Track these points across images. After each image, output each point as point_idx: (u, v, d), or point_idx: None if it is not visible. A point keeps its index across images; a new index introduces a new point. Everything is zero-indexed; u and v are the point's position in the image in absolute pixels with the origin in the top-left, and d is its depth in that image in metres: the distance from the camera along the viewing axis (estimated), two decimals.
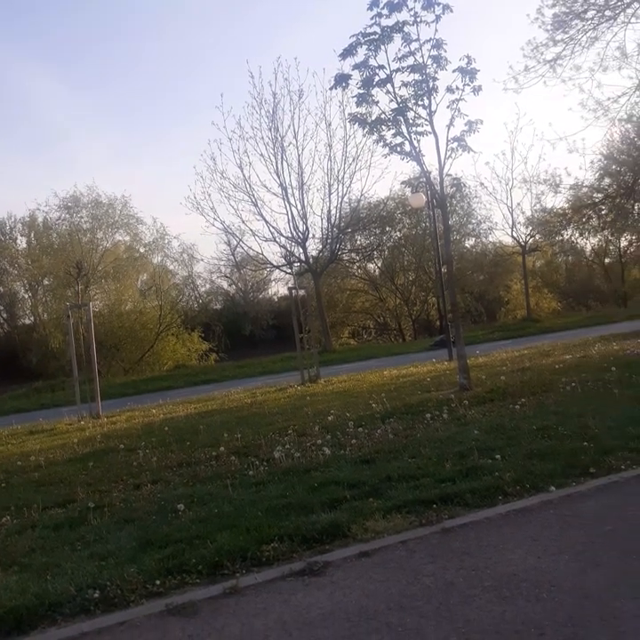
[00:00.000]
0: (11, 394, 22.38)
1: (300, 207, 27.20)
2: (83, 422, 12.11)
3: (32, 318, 40.67)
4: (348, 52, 10.14)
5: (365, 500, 4.91)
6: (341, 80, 10.38)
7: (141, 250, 39.13)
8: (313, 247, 29.18)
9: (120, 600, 3.63)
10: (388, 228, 37.46)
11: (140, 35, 72.81)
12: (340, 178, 27.38)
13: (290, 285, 18.01)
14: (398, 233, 38.99)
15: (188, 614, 3.42)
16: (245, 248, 30.50)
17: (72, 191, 37.40)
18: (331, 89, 11.07)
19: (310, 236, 27.86)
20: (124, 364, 32.58)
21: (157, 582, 3.78)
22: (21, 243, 41.52)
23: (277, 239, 27.70)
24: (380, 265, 40.28)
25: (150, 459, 7.31)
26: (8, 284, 42.36)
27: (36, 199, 59.86)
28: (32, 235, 39.99)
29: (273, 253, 29.70)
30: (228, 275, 48.94)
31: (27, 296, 41.60)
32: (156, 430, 9.64)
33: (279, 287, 48.86)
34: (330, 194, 27.63)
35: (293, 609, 3.39)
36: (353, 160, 27.03)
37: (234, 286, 50.92)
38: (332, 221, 28.37)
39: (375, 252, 37.73)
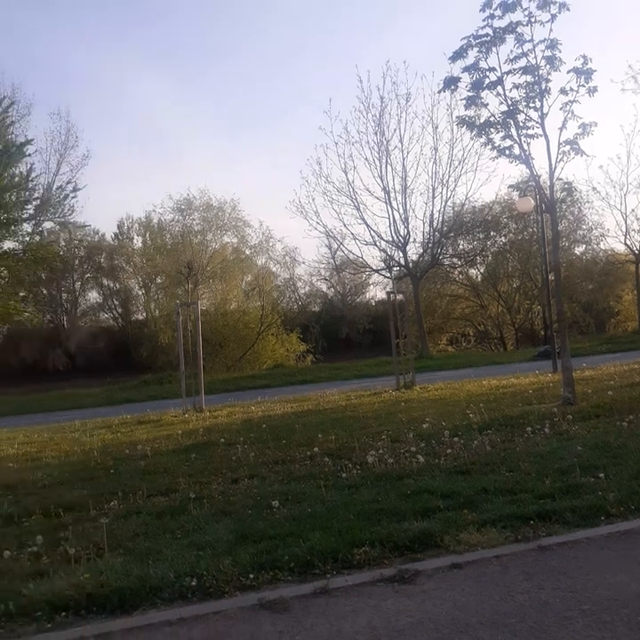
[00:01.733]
0: (122, 385, 23.77)
1: (402, 211, 27.13)
2: (187, 415, 12.66)
3: (144, 314, 43.01)
4: (459, 54, 10.00)
5: (459, 511, 4.84)
6: (450, 83, 10.26)
7: (247, 252, 40.39)
8: (413, 251, 29.00)
9: (215, 590, 3.78)
10: (492, 233, 36.51)
11: (250, 42, 75.10)
12: (444, 181, 27.06)
13: (388, 289, 17.99)
14: (503, 238, 37.90)
15: (279, 610, 3.51)
16: (345, 251, 30.76)
17: (185, 194, 39.20)
18: (439, 92, 10.97)
19: (411, 239, 27.71)
20: (226, 360, 33.72)
21: (251, 576, 3.90)
22: (137, 242, 44.14)
23: (378, 243, 27.78)
24: (482, 271, 39.33)
25: (248, 454, 7.54)
26: (124, 281, 45.08)
27: (153, 201, 63.30)
28: (147, 235, 42.35)
29: (373, 257, 29.92)
30: (328, 278, 49.46)
31: (140, 293, 44.08)
32: (254, 427, 9.92)
33: (377, 291, 48.85)
34: (433, 197, 27.37)
35: (383, 615, 3.39)
36: (459, 163, 26.65)
37: (332, 289, 51.38)
38: (435, 225, 28.07)
39: (478, 258, 36.86)
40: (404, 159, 26.70)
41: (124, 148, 69.41)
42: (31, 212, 25.61)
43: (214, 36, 72.28)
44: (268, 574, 3.94)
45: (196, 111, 72.74)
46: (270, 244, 40.57)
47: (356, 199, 26.92)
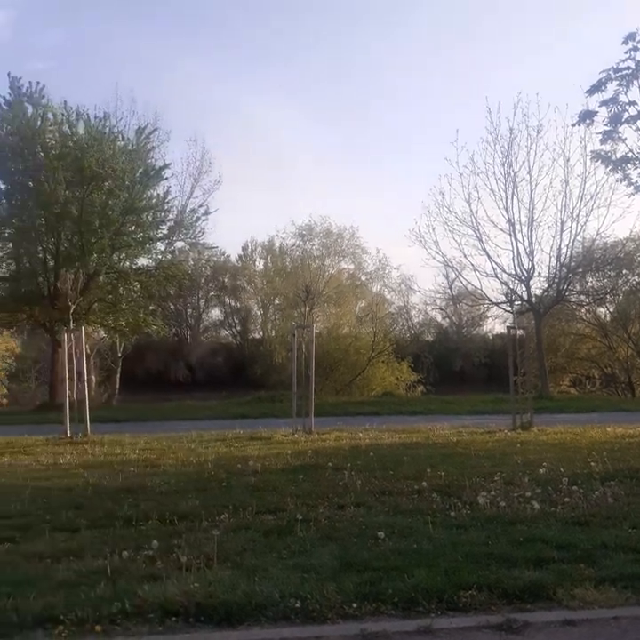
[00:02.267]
0: (237, 400, 24.61)
1: (527, 244, 26.30)
2: (296, 435, 12.88)
3: (261, 333, 44.52)
4: (596, 88, 9.71)
5: (575, 564, 4.57)
6: (586, 116, 9.96)
7: (363, 278, 40.83)
8: (537, 285, 27.91)
9: (318, 614, 3.80)
10: (624, 271, 34.39)
11: (377, 73, 76.45)
12: (574, 215, 25.94)
13: (508, 324, 17.36)
14: (637, 277, 35.57)
15: None
16: (464, 282, 30.12)
17: (307, 220, 40.38)
18: (573, 125, 10.64)
19: (536, 273, 26.73)
20: (335, 384, 34.00)
21: (354, 605, 3.90)
22: (259, 264, 45.99)
23: (499, 275, 27.03)
24: (612, 310, 37.03)
25: (355, 481, 7.53)
26: (244, 300, 47.02)
27: (276, 226, 65.54)
28: (269, 258, 44.03)
29: (492, 289, 28.87)
30: (443, 308, 48.73)
31: (259, 313, 45.75)
32: (361, 454, 9.91)
33: (496, 324, 47.26)
34: (562, 231, 26.30)
35: None
36: (591, 198, 25.42)
37: (448, 320, 50.51)
38: (562, 260, 26.92)
39: (608, 296, 34.82)
40: (531, 191, 25.94)
41: (252, 174, 72.73)
42: (165, 232, 27.48)
43: (342, 68, 74.44)
44: (371, 606, 3.91)
45: (321, 139, 74.94)
46: (386, 272, 40.78)
47: (478, 230, 26.46)
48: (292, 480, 7.77)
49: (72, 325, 15.89)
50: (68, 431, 13.09)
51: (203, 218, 29.50)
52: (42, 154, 23.17)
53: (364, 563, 4.59)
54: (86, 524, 5.80)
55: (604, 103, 9.60)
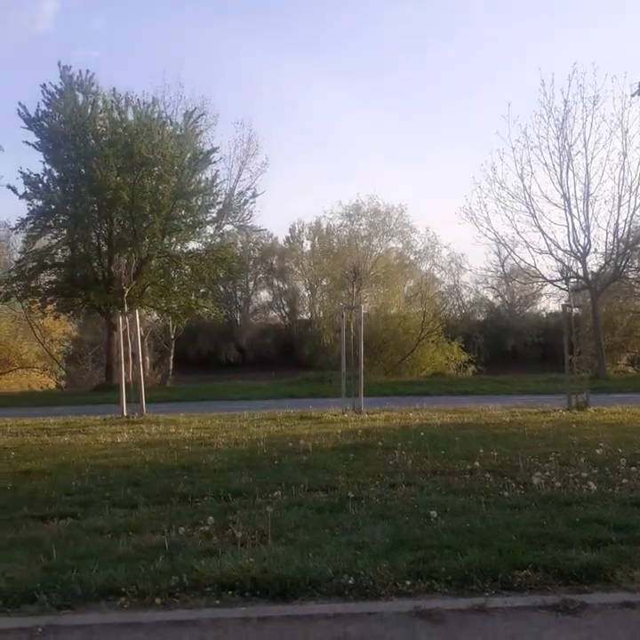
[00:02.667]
0: (287, 380, 24.86)
1: (582, 219, 25.47)
2: (346, 415, 12.92)
3: (309, 314, 44.77)
4: None
5: (634, 546, 4.45)
6: None
7: (411, 257, 40.47)
8: (593, 262, 27.05)
9: (371, 591, 3.83)
10: None
11: (427, 48, 74.81)
12: (633, 189, 24.95)
13: (563, 302, 16.96)
14: None
15: (434, 621, 3.47)
16: (517, 260, 29.43)
17: (354, 200, 40.27)
18: (633, 95, 10.17)
19: (592, 250, 25.90)
20: (384, 365, 33.93)
21: (407, 582, 3.90)
22: (306, 246, 46.16)
23: (554, 252, 26.30)
24: None
25: (406, 461, 7.52)
26: (292, 282, 47.30)
27: (323, 207, 65.52)
28: (316, 239, 44.06)
29: (547, 267, 28.11)
30: (495, 286, 47.92)
31: (307, 294, 46.00)
32: (412, 434, 9.87)
33: (550, 303, 46.26)
34: (619, 206, 25.34)
35: None
36: None
37: (499, 298, 49.67)
38: (619, 235, 25.96)
39: None
40: (587, 165, 25.05)
41: (299, 155, 72.60)
42: (214, 215, 27.79)
43: (390, 42, 73.14)
44: (425, 583, 3.91)
45: (370, 119, 74.13)
46: (436, 250, 40.31)
47: (531, 206, 25.75)
48: (343, 459, 7.81)
49: (126, 309, 16.30)
50: (125, 411, 13.48)
51: (250, 200, 29.75)
52: (93, 141, 23.68)
53: (416, 541, 4.58)
54: (144, 500, 5.97)
55: None
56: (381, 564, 4.11)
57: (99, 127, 24.10)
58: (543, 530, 4.79)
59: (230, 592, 3.87)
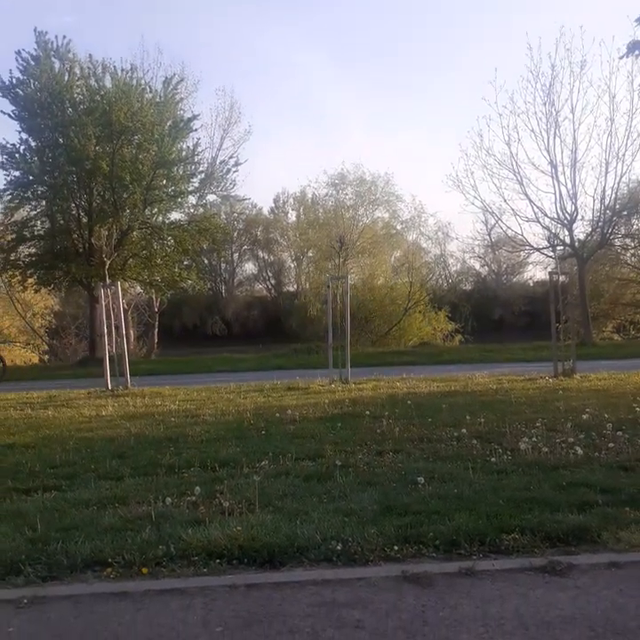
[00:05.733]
0: (274, 352, 24.81)
1: (570, 186, 25.40)
2: (333, 385, 12.92)
3: (295, 286, 44.59)
4: None
5: (620, 508, 4.49)
6: (635, 48, 9.40)
7: (398, 227, 40.24)
8: (580, 230, 27.06)
9: (360, 557, 3.82)
10: None
11: (410, 11, 73.57)
12: (620, 155, 24.85)
13: (550, 270, 16.90)
14: None
15: (422, 584, 3.47)
16: (504, 228, 29.32)
17: (339, 169, 39.82)
18: (620, 58, 10.04)
19: (579, 217, 25.89)
20: (371, 335, 33.97)
21: (395, 548, 3.90)
22: (291, 216, 45.71)
23: (541, 220, 26.26)
24: None
25: (393, 428, 7.53)
26: (277, 253, 47.00)
27: (308, 176, 64.96)
28: (301, 209, 43.63)
29: (533, 234, 28.04)
30: (482, 255, 47.99)
31: (293, 265, 45.75)
32: (399, 402, 9.88)
33: (536, 271, 46.46)
34: (606, 172, 25.26)
35: (531, 604, 3.25)
36: (638, 136, 24.33)
37: (486, 268, 49.81)
38: (607, 202, 25.93)
39: None
40: (574, 131, 24.91)
41: (282, 124, 71.61)
42: (196, 185, 27.36)
43: (370, 8, 71.81)
44: (413, 548, 3.91)
45: (353, 86, 73.15)
46: (422, 220, 40.10)
47: (518, 173, 25.61)
48: (330, 428, 7.81)
49: (108, 281, 16.07)
50: (109, 384, 13.37)
51: (233, 169, 29.29)
52: (70, 109, 23.10)
53: (404, 507, 4.58)
54: (130, 472, 5.93)
55: None
56: (369, 530, 4.10)
57: (76, 95, 23.48)
58: (530, 494, 4.81)
59: (218, 561, 3.85)
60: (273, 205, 46.94)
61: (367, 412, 8.79)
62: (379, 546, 3.92)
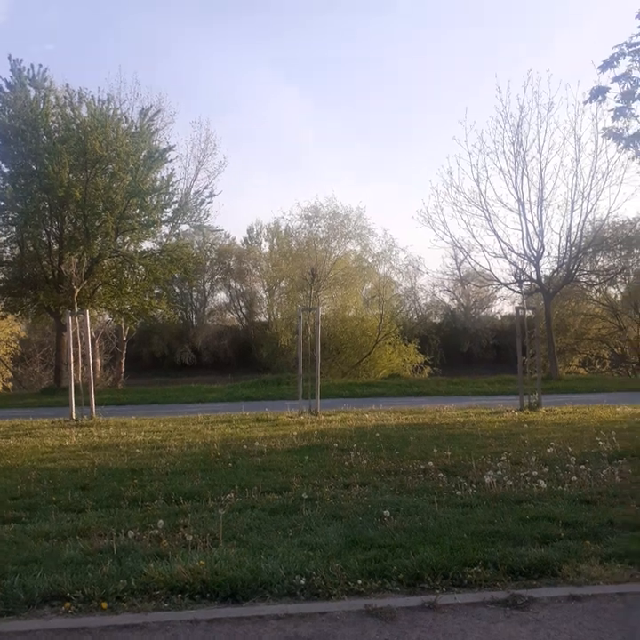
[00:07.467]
0: (243, 383, 24.64)
1: (536, 223, 26.01)
2: (302, 417, 12.89)
3: (267, 316, 44.47)
4: (609, 64, 9.50)
5: (581, 541, 4.56)
6: (598, 93, 9.77)
7: (370, 260, 40.56)
8: (547, 266, 27.63)
9: (323, 591, 3.81)
10: (635, 251, 34.08)
11: (383, 53, 75.55)
12: (585, 194, 25.59)
13: (517, 304, 17.24)
14: None
15: (385, 619, 3.47)
16: (472, 263, 29.81)
17: (313, 202, 40.30)
18: (585, 103, 10.43)
19: (545, 254, 26.49)
20: (342, 366, 34.01)
21: (359, 582, 3.90)
22: (265, 247, 45.85)
23: (508, 256, 26.77)
24: (622, 290, 36.79)
25: (361, 461, 7.54)
26: (250, 283, 46.97)
27: (282, 208, 65.39)
28: (274, 240, 43.82)
29: (501, 270, 28.95)
30: (451, 289, 48.57)
31: (265, 296, 45.69)
32: (367, 434, 9.91)
33: (504, 305, 47.21)
34: (572, 211, 25.96)
35: (492, 638, 3.27)
36: (602, 176, 25.10)
37: (456, 301, 50.36)
38: (572, 240, 26.61)
39: (619, 276, 34.51)
40: (541, 170, 25.60)
41: (257, 157, 72.28)
42: (170, 214, 27.32)
43: (345, 50, 73.56)
44: (377, 582, 3.91)
45: (327, 122, 74.40)
46: (393, 253, 40.46)
47: (487, 210, 26.16)
48: (298, 460, 7.78)
49: (77, 309, 15.90)
50: (74, 414, 13.14)
51: (207, 200, 29.29)
52: (45, 137, 23.06)
53: (369, 540, 4.58)
54: (92, 504, 5.82)
55: (616, 79, 9.41)
56: (334, 564, 4.09)
57: (51, 123, 23.48)
58: (494, 527, 4.85)
59: (180, 595, 3.79)
60: (246, 236, 47.17)
61: (335, 445, 8.78)
62: (343, 580, 3.90)
